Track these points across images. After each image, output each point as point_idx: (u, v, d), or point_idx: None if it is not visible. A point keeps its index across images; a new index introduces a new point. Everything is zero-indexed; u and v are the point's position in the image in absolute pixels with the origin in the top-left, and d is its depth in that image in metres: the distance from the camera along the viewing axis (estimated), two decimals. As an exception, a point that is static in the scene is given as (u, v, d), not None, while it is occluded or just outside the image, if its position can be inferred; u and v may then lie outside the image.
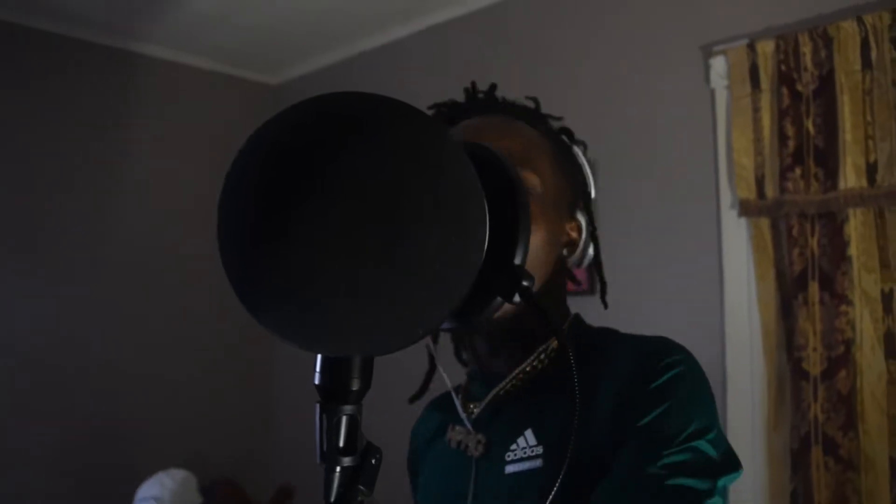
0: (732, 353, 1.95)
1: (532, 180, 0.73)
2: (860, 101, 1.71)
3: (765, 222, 1.89)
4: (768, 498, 1.86)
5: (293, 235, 0.37)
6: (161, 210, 3.09)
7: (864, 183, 1.70)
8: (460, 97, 0.87)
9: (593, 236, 0.84)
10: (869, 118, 1.70)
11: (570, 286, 0.86)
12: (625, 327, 0.80)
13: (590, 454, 0.66)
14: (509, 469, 0.73)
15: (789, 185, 1.82)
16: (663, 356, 0.70)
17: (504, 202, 0.52)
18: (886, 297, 1.68)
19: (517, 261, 0.51)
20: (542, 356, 0.77)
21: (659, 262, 2.13)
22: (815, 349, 1.76)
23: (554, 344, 0.78)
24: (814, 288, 1.77)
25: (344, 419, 0.45)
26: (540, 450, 0.71)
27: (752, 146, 1.90)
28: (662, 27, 2.17)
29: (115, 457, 2.81)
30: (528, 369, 0.77)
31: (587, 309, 0.88)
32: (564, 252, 0.81)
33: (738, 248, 1.98)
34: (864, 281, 1.71)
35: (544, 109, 0.87)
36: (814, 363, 1.76)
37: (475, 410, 0.80)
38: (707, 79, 2.04)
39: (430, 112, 0.84)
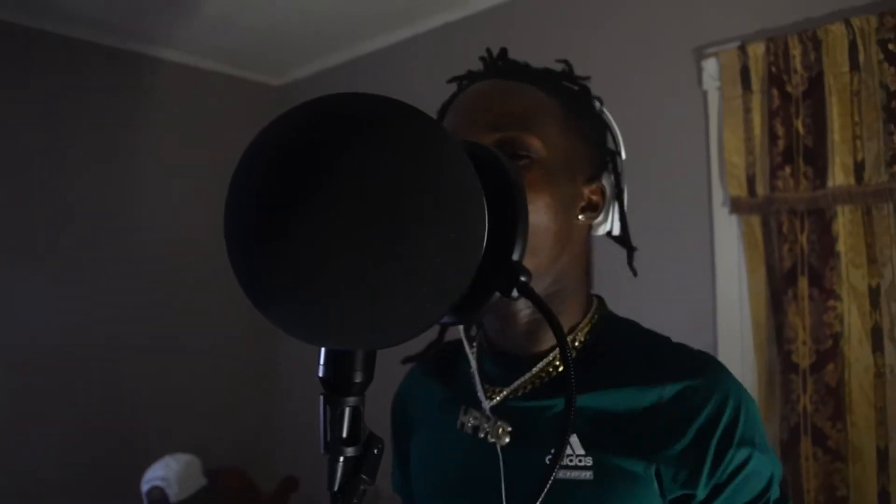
0: (724, 346, 1.98)
1: (533, 143, 0.70)
2: (848, 102, 1.74)
3: (756, 219, 1.92)
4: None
5: (296, 234, 0.38)
6: (166, 209, 3.12)
7: (852, 181, 1.73)
8: None
9: (619, 199, 0.80)
10: (857, 119, 1.73)
11: None
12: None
13: (630, 467, 0.68)
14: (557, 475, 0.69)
15: (779, 183, 1.85)
16: (733, 392, 0.69)
17: (504, 199, 0.52)
18: (873, 292, 1.71)
19: (515, 256, 0.52)
20: (575, 342, 0.75)
21: (653, 258, 2.13)
22: (804, 343, 1.79)
23: (582, 333, 0.76)
24: (803, 283, 1.80)
25: (347, 410, 0.47)
26: (590, 461, 0.69)
27: (743, 146, 1.93)
28: (656, 31, 2.20)
29: (123, 446, 2.87)
30: (556, 362, 0.74)
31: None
32: (581, 217, 0.75)
33: (730, 245, 2.00)
34: (851, 276, 1.74)
35: None
36: (803, 356, 1.79)
37: (496, 398, 0.75)
38: (699, 80, 2.07)
39: (451, 84, 0.83)
